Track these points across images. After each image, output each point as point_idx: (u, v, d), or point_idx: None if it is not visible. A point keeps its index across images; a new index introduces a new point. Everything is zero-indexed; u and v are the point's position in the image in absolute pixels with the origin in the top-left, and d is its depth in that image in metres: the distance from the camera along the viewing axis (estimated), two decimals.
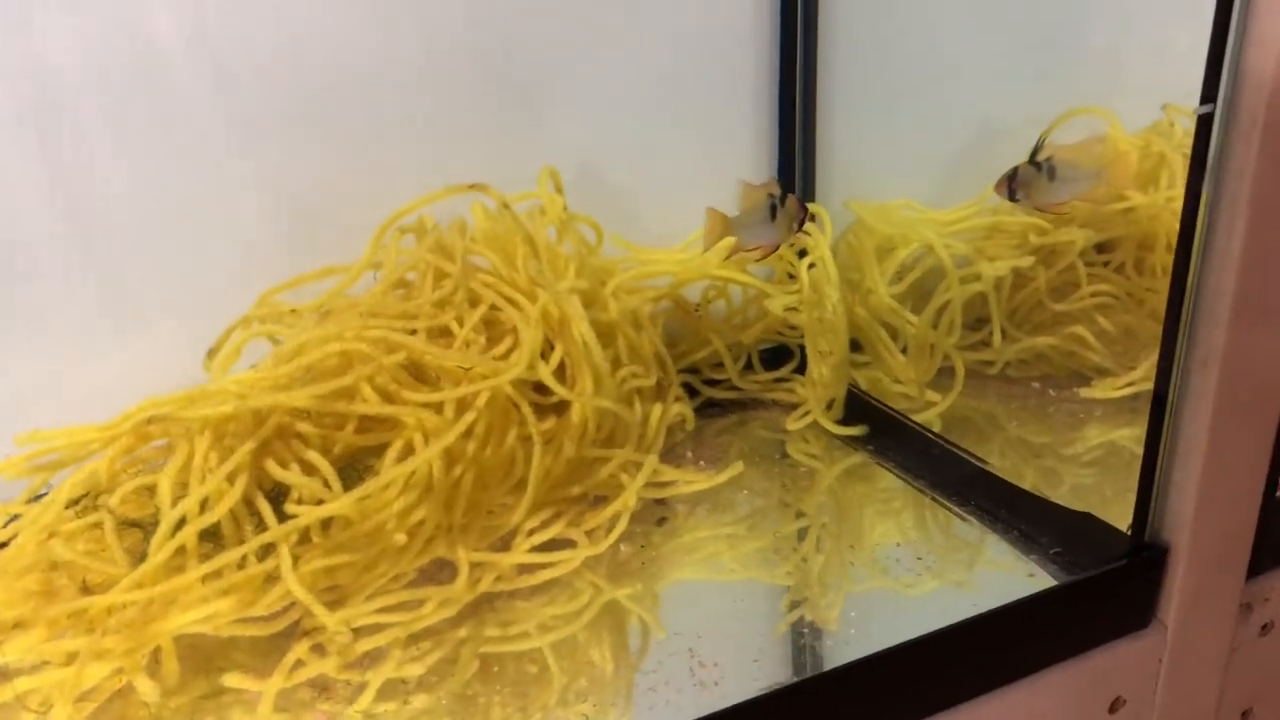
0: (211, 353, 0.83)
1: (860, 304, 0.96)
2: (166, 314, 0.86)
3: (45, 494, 0.75)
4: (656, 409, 0.88)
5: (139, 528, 0.71)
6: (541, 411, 0.80)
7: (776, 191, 0.81)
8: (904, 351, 0.95)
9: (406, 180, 0.90)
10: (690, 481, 0.87)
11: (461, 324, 0.80)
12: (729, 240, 0.82)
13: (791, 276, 0.97)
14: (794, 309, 0.94)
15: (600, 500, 0.83)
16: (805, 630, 0.73)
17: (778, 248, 0.83)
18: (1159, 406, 0.71)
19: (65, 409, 0.77)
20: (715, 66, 0.99)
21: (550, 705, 0.66)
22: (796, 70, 0.98)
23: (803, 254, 0.95)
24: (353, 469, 0.74)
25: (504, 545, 0.79)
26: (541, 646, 0.72)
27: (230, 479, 0.69)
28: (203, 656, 0.70)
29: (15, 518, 0.74)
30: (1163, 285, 0.79)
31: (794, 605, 0.75)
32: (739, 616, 0.75)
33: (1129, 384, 0.96)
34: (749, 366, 1.02)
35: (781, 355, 1.03)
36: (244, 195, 0.87)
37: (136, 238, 0.84)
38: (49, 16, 0.78)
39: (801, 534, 0.84)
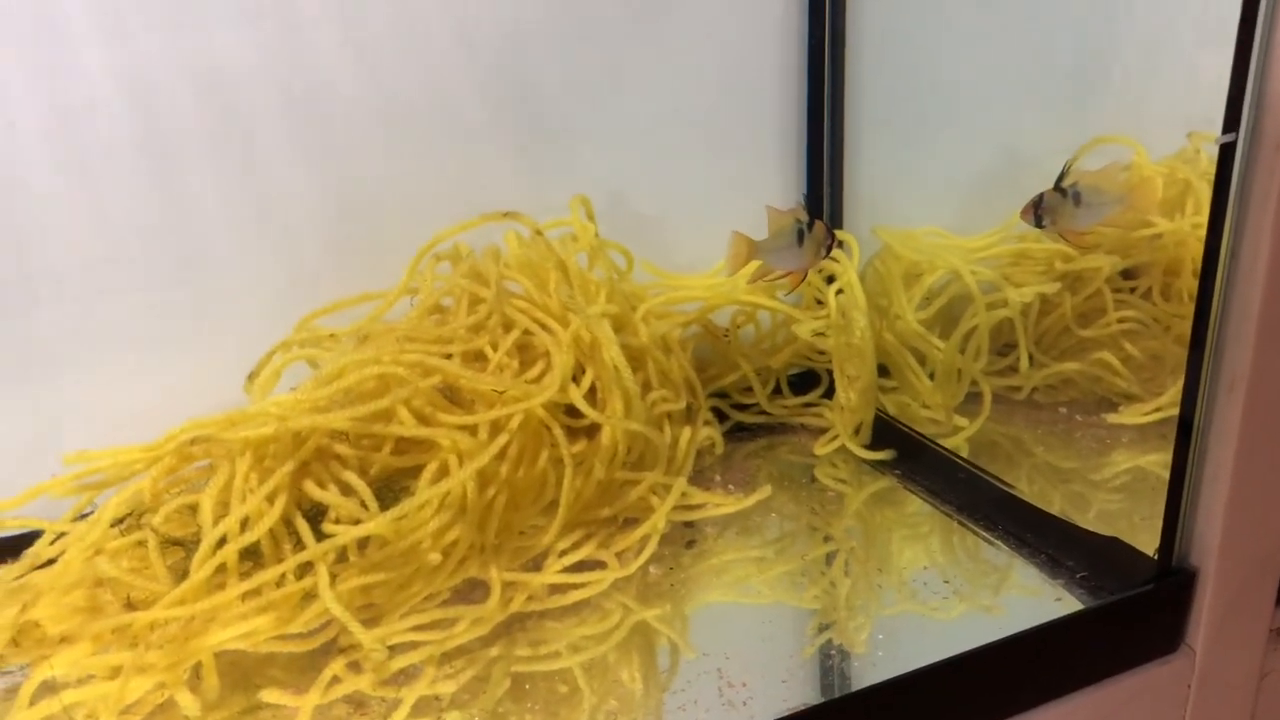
0: (252, 376, 0.85)
1: (888, 329, 0.97)
2: (207, 338, 0.88)
3: (90, 513, 0.77)
4: (685, 432, 0.89)
5: (181, 546, 0.72)
6: (572, 434, 0.82)
7: (804, 217, 0.82)
8: (931, 377, 0.96)
9: (440, 208, 0.92)
10: (719, 504, 0.88)
11: (495, 348, 0.81)
12: (755, 264, 0.83)
13: (819, 302, 0.99)
14: (822, 334, 0.95)
15: (630, 522, 0.84)
16: (833, 653, 0.74)
17: (805, 273, 0.84)
18: (1185, 430, 0.71)
19: (111, 430, 0.80)
20: (743, 97, 1.00)
21: None
22: (824, 100, 0.99)
23: (830, 280, 0.96)
24: (389, 490, 0.75)
25: (535, 566, 0.80)
26: (572, 666, 0.73)
27: (270, 499, 0.71)
28: (240, 673, 0.71)
29: (61, 535, 0.76)
30: (1189, 311, 0.80)
31: (822, 629, 0.76)
32: (767, 639, 0.76)
33: (1156, 409, 0.96)
34: (777, 391, 1.03)
35: (809, 380, 1.04)
36: (283, 223, 0.89)
37: (181, 265, 0.86)
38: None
39: (830, 558, 0.85)
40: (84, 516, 0.77)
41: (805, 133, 1.01)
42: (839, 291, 0.94)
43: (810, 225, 0.81)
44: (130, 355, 0.88)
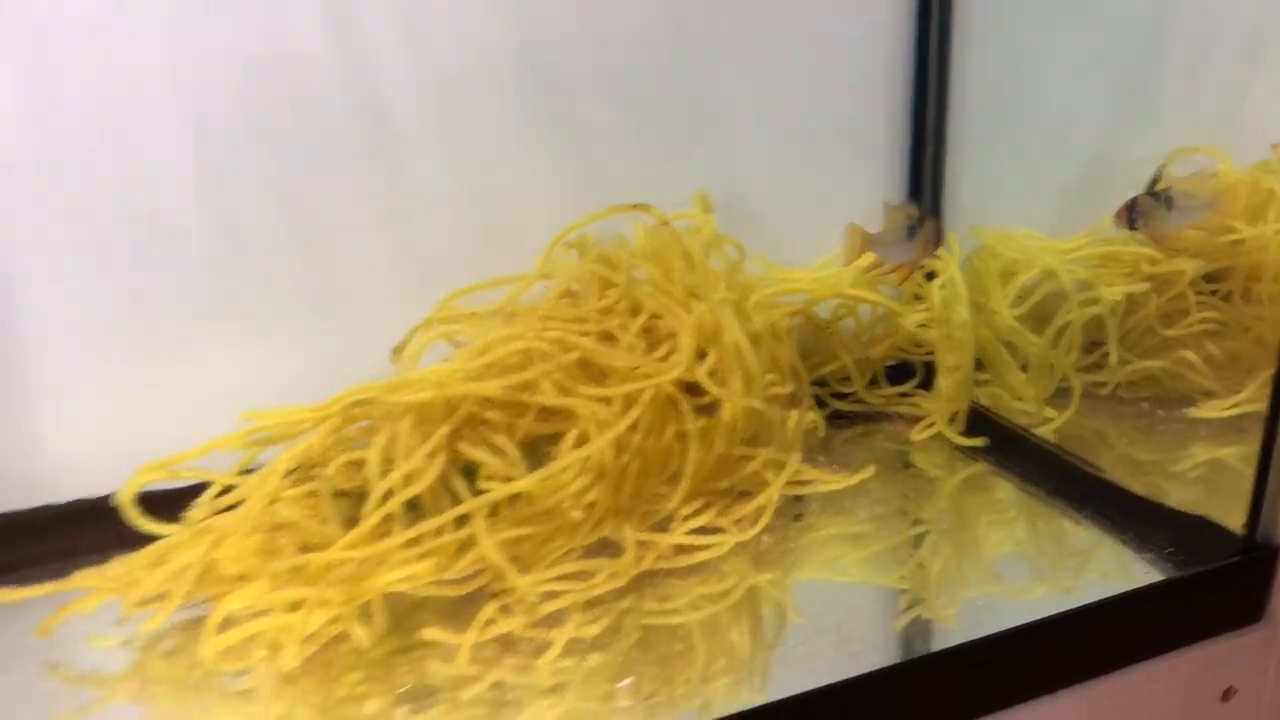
0: (397, 349, 0.92)
1: (984, 324, 1.03)
2: (357, 313, 0.96)
3: (253, 469, 0.85)
4: (794, 414, 0.95)
5: (348, 496, 0.80)
6: (694, 411, 0.88)
7: (916, 214, 0.88)
8: (1024, 370, 1.02)
9: (567, 199, 1.00)
10: (827, 482, 0.94)
11: (624, 330, 0.88)
12: (869, 256, 0.90)
13: (918, 298, 1.05)
14: (925, 325, 1.01)
15: (743, 494, 0.91)
16: (921, 626, 0.80)
17: (915, 267, 0.90)
18: (1276, 414, 0.77)
19: (269, 395, 0.87)
20: (850, 97, 1.07)
21: (694, 678, 0.73)
22: (928, 102, 1.06)
23: (931, 276, 1.03)
24: (532, 454, 0.83)
25: (660, 529, 0.87)
26: (690, 622, 0.80)
27: (430, 456, 0.78)
28: (398, 615, 0.78)
29: (229, 489, 0.84)
30: (1268, 313, 0.86)
31: (912, 604, 0.82)
32: (859, 610, 0.82)
33: (1234, 405, 1.02)
34: (874, 382, 1.10)
35: (905, 372, 1.10)
36: (422, 214, 0.97)
37: (340, 244, 0.94)
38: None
39: (920, 540, 0.91)
40: (247, 472, 0.85)
41: (910, 137, 1.07)
42: (941, 286, 1.00)
43: (922, 221, 0.88)
44: (291, 326, 0.95)
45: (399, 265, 0.97)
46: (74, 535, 0.84)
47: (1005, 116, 1.07)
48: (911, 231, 0.88)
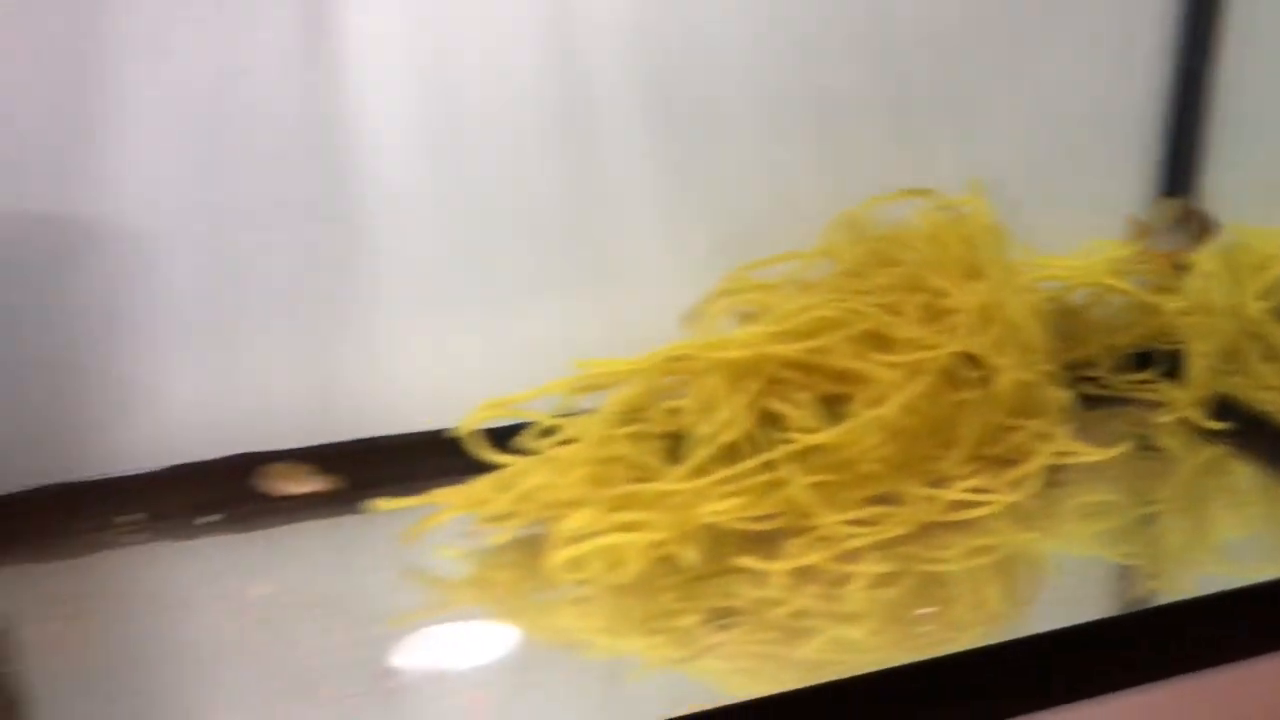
0: (691, 316, 1.02)
1: (1233, 315, 1.09)
2: (653, 282, 1.07)
3: (572, 413, 0.96)
4: (1055, 390, 1.03)
5: (665, 439, 0.91)
6: (969, 383, 0.97)
7: (1188, 207, 0.95)
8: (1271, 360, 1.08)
9: (834, 185, 1.09)
10: (1088, 454, 1.01)
11: (905, 305, 0.97)
12: (1143, 243, 0.96)
13: (1170, 289, 1.11)
14: (1180, 313, 1.08)
15: (1009, 461, 0.99)
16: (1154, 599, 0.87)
17: (1185, 256, 0.97)
18: None
19: (576, 350, 0.98)
20: (1108, 90, 1.14)
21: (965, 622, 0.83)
22: (1189, 98, 1.12)
23: (1184, 267, 1.09)
24: (827, 411, 0.92)
25: (937, 487, 0.95)
26: (962, 571, 0.88)
27: (745, 408, 0.89)
28: (711, 545, 0.89)
29: (550, 430, 0.96)
30: None
31: (1145, 579, 0.89)
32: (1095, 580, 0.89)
33: None
34: (1119, 368, 1.16)
35: (1149, 359, 1.16)
36: (709, 194, 1.07)
37: (630, 216, 1.05)
38: None
39: (1152, 519, 0.97)
40: (568, 415, 0.96)
41: (1168, 124, 1.13)
42: (1200, 275, 1.06)
43: (1194, 214, 0.94)
44: (583, 292, 1.07)
45: (689, 242, 1.08)
46: (422, 461, 0.97)
47: (1266, 110, 1.12)
48: (1183, 224, 0.95)
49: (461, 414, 0.97)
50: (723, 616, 0.83)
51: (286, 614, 0.84)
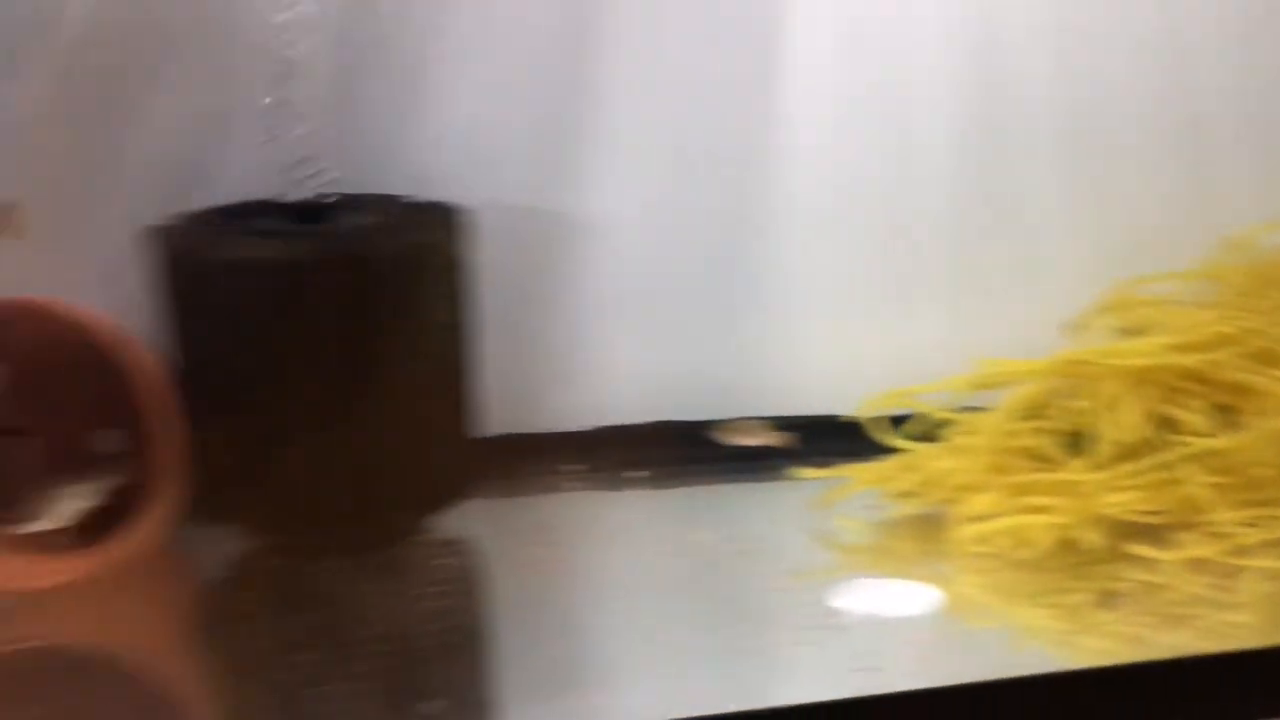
0: (1074, 325, 1.10)
1: None
2: (1044, 289, 1.15)
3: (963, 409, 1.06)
4: None
5: (1066, 434, 1.00)
6: None
7: None
8: None
9: (1206, 212, 1.15)
10: None
11: None
12: None
13: None
14: None
15: None
16: None
17: None
18: None
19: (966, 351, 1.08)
20: None
21: None
22: None
23: None
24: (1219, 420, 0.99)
25: None
26: None
27: (1146, 413, 0.97)
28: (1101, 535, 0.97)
29: (942, 424, 1.06)
30: None
31: None
32: None
33: None
34: None
35: None
36: (1110, 212, 1.15)
37: (1042, 235, 1.15)
38: None
39: None
40: (963, 410, 1.06)
41: None
42: None
43: None
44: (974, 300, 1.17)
45: (1075, 258, 1.16)
46: (817, 439, 1.10)
47: None
48: None
49: (855, 402, 1.08)
50: (1113, 597, 0.91)
51: (722, 559, 0.97)
